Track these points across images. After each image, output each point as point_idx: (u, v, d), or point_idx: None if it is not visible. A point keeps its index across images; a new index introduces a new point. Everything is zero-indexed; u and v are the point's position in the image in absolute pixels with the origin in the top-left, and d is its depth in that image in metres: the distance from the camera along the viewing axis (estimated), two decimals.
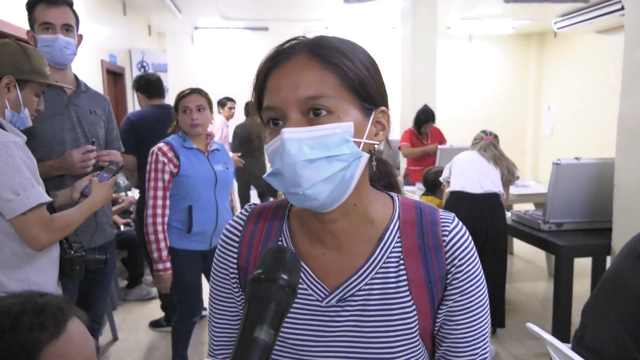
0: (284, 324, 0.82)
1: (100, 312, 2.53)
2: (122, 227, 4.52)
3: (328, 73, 0.74)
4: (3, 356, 0.65)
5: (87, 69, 2.30)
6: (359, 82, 0.75)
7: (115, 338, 3.58)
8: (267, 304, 0.64)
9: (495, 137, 3.53)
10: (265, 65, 0.78)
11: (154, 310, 4.09)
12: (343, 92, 0.74)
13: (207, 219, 2.64)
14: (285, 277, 0.65)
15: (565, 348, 1.73)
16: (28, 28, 2.22)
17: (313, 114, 0.73)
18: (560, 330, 3.10)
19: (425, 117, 5.24)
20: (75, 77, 2.36)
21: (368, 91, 0.77)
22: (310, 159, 0.72)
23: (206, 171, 2.63)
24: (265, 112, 0.77)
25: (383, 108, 0.80)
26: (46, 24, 2.16)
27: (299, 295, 0.82)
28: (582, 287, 3.75)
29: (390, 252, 0.82)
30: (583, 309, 1.90)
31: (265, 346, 0.62)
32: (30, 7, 2.18)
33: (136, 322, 3.91)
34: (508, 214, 3.69)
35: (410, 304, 0.81)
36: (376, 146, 0.80)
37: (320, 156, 0.72)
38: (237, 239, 0.89)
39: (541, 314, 4.03)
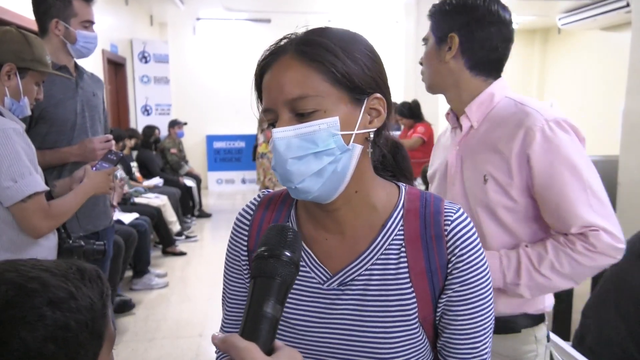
0: (287, 305, 0.85)
1: None
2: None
3: (312, 71, 0.76)
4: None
5: (87, 58, 2.29)
6: (344, 75, 0.77)
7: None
8: (273, 279, 0.67)
9: None
10: (258, 68, 0.82)
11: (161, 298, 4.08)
12: (328, 88, 0.76)
13: None
14: (288, 254, 0.68)
15: (569, 347, 1.71)
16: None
17: (300, 112, 0.77)
18: (561, 328, 3.08)
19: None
20: (75, 62, 2.35)
21: (355, 82, 0.78)
22: (298, 156, 0.76)
23: None
24: (264, 114, 0.80)
25: (377, 95, 0.81)
26: (88, 22, 2.21)
27: (302, 278, 0.86)
28: (582, 285, 3.71)
29: (392, 240, 0.84)
30: (584, 309, 1.88)
31: (273, 319, 0.66)
32: None
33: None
34: None
35: (409, 291, 0.83)
36: (371, 134, 0.81)
37: (308, 152, 0.76)
38: (248, 223, 0.93)
39: None
